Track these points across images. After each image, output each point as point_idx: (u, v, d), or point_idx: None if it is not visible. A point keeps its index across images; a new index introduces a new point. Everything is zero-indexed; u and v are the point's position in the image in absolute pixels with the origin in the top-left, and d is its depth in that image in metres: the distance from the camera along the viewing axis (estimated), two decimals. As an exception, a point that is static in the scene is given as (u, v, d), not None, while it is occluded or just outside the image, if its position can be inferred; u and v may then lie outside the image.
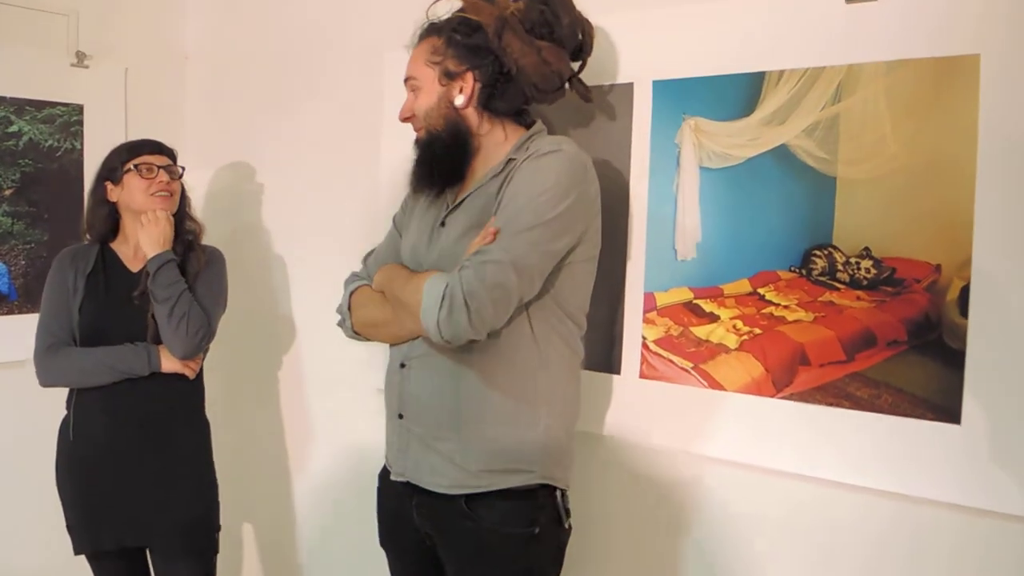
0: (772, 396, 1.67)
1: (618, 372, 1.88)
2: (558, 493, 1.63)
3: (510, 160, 1.60)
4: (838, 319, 1.60)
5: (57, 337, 2.10)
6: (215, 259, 2.26)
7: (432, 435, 1.62)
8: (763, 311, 1.68)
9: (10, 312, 2.56)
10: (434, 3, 1.67)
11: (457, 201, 1.65)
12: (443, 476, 1.61)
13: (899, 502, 1.55)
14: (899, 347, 1.53)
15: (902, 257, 1.53)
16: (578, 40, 1.68)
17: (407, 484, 1.67)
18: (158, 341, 2.12)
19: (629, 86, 1.84)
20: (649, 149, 1.81)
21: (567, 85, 1.70)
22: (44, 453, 2.18)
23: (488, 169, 1.64)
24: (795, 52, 1.63)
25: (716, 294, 1.74)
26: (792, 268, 1.65)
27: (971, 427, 1.46)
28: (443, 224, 1.65)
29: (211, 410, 2.33)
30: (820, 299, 1.62)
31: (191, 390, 2.22)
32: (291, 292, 2.69)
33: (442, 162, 1.64)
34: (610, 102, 1.86)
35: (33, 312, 2.29)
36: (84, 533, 2.14)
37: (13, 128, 2.57)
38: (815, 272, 1.62)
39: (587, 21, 1.69)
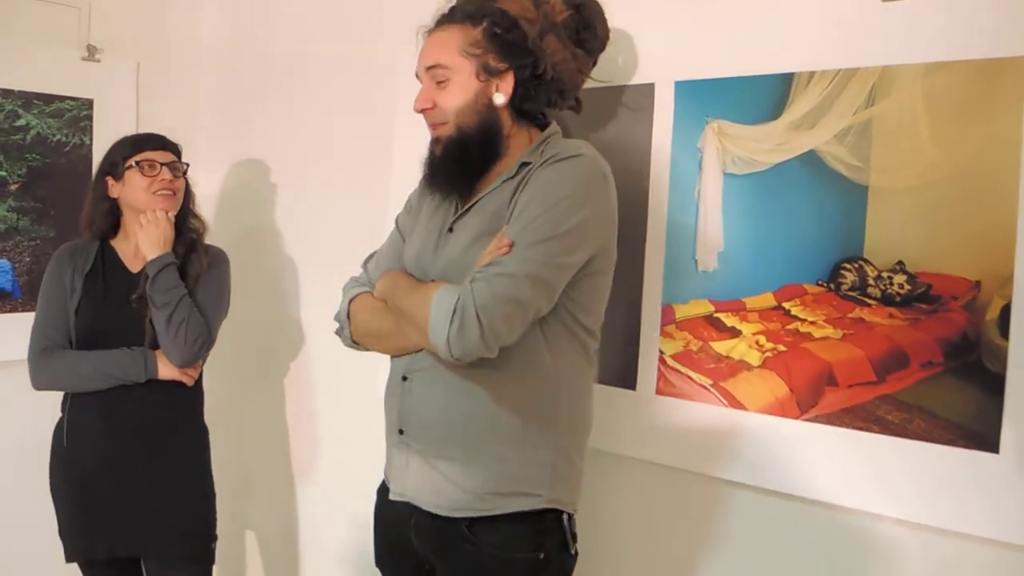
0: (796, 418, 1.58)
1: (633, 388, 1.80)
2: (565, 517, 1.53)
3: (524, 164, 1.51)
4: (868, 337, 1.51)
5: (52, 340, 2.06)
6: (218, 261, 2.20)
7: (434, 453, 1.54)
8: (788, 327, 1.59)
9: (14, 310, 2.53)
10: None
11: (467, 206, 1.56)
12: (445, 497, 1.52)
13: (929, 534, 1.46)
14: (934, 369, 1.45)
15: (939, 272, 1.44)
16: (603, 50, 1.63)
17: (406, 504, 1.58)
18: (156, 346, 2.06)
19: (650, 87, 1.76)
20: (670, 153, 1.73)
21: None
22: (47, 454, 2.15)
23: (501, 172, 1.55)
24: (826, 52, 1.55)
25: (738, 308, 1.65)
26: (820, 282, 1.56)
27: (1010, 456, 1.37)
28: (451, 230, 1.56)
29: (216, 415, 2.27)
30: (849, 315, 1.53)
31: (189, 397, 2.17)
32: (300, 296, 2.63)
33: (472, 164, 1.54)
34: (629, 104, 1.78)
35: (37, 310, 2.25)
36: (76, 540, 2.10)
37: (21, 122, 2.53)
38: (844, 287, 1.53)
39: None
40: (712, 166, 1.68)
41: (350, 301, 1.65)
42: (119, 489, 2.06)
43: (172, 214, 2.11)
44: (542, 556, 1.49)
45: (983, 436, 1.39)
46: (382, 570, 1.71)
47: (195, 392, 2.18)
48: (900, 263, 1.48)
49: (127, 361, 2.03)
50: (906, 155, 1.47)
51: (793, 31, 1.58)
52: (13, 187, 2.53)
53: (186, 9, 2.90)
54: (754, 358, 1.63)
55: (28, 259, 2.56)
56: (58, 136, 2.60)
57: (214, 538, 2.21)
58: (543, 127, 1.60)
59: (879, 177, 1.50)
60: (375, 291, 1.62)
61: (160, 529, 2.08)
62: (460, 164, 1.53)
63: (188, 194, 2.19)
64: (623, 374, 1.81)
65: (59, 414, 2.14)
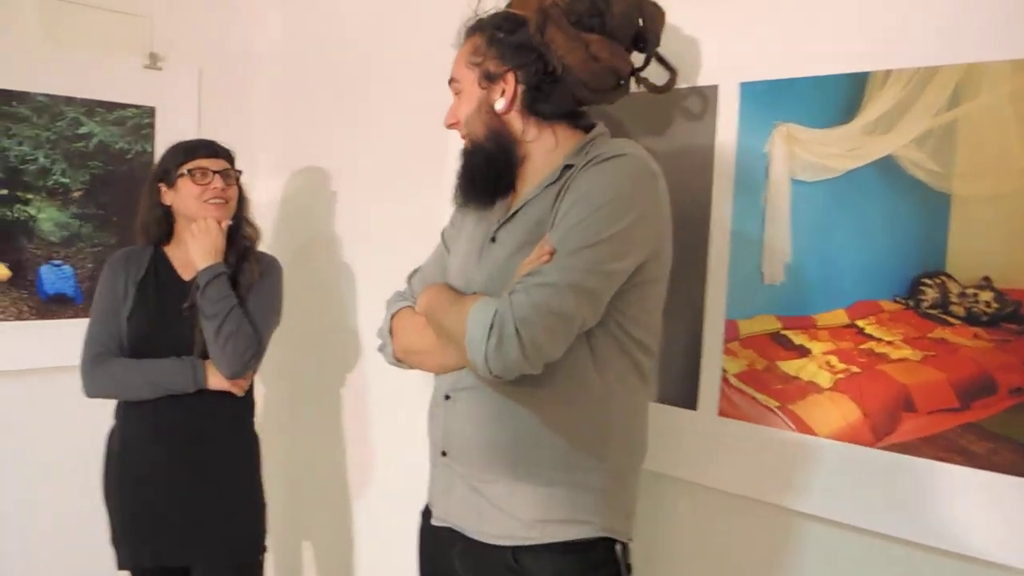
0: (871, 445, 1.46)
1: (694, 407, 1.69)
2: (618, 547, 1.44)
3: (568, 167, 1.43)
4: (951, 360, 1.38)
5: (104, 347, 2.05)
6: (271, 269, 2.17)
7: (479, 477, 1.46)
8: (862, 347, 1.47)
9: (76, 315, 2.55)
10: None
11: (509, 214, 1.49)
12: (490, 524, 1.44)
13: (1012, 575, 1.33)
14: (1024, 396, 1.31)
15: (1030, 290, 1.31)
16: (635, 29, 1.50)
17: (448, 529, 1.51)
18: (207, 354, 2.04)
19: (713, 89, 1.66)
20: (735, 159, 1.63)
21: (630, 81, 1.53)
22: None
23: (542, 178, 1.47)
24: (904, 49, 1.42)
25: (808, 325, 1.54)
26: (897, 298, 1.44)
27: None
28: (493, 240, 1.49)
29: (270, 424, 2.24)
30: (930, 335, 1.40)
31: (240, 406, 2.14)
32: (358, 306, 2.59)
33: (485, 173, 1.49)
34: (691, 107, 1.68)
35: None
36: (127, 548, 2.10)
37: (84, 129, 2.55)
38: (924, 304, 1.41)
39: (653, 5, 1.52)
40: (780, 173, 1.57)
41: (392, 316, 1.59)
42: (168, 498, 2.05)
43: (225, 223, 2.08)
44: (594, 590, 1.40)
45: (1080, 471, 1.26)
46: (428, 596, 1.64)
47: (245, 401, 2.16)
48: (986, 279, 1.35)
49: (176, 371, 2.01)
50: (993, 161, 1.34)
51: (867, 27, 1.47)
52: (76, 194, 2.55)
53: (248, 17, 2.90)
54: (824, 380, 1.52)
55: (90, 265, 2.58)
56: (120, 144, 2.62)
57: (263, 548, 2.18)
58: (588, 128, 1.51)
59: (963, 184, 1.37)
60: (417, 305, 1.56)
61: (208, 539, 2.07)
62: (472, 175, 1.51)
63: (242, 201, 2.17)
64: (683, 393, 1.71)
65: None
